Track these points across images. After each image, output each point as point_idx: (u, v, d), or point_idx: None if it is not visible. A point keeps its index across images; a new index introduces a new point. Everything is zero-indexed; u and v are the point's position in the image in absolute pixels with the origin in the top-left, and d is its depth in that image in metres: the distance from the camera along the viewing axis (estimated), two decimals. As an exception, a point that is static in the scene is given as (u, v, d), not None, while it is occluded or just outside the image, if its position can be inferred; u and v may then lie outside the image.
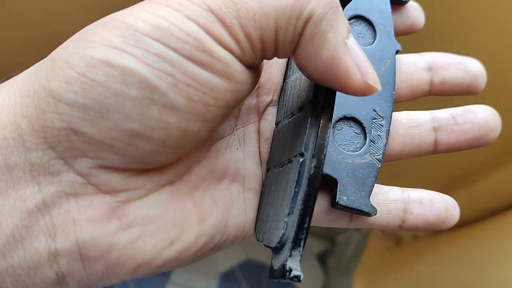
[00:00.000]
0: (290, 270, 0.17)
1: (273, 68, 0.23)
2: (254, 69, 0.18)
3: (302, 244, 0.17)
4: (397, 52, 0.25)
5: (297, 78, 0.21)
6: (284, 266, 0.17)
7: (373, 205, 0.21)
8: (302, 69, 0.18)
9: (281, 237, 0.18)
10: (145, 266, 0.18)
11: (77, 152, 0.16)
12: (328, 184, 0.22)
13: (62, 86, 0.16)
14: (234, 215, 0.20)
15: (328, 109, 0.18)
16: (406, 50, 0.25)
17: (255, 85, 0.19)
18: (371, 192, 0.21)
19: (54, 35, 0.18)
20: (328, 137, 0.18)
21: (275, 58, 0.22)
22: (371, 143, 0.22)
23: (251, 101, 0.22)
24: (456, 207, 0.23)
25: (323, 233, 0.78)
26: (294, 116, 0.20)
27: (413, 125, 0.23)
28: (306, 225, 0.17)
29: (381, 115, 0.23)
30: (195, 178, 0.19)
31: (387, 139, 0.23)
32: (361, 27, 0.25)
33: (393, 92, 0.24)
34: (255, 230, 0.21)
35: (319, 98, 0.19)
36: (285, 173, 0.19)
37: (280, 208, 0.19)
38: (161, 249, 0.18)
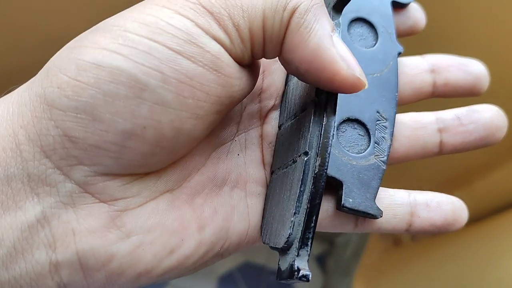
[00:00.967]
0: (298, 270, 0.17)
1: (275, 74, 0.22)
2: (246, 67, 0.18)
3: (309, 243, 0.17)
4: (399, 54, 0.25)
5: (298, 80, 0.21)
6: (292, 266, 0.17)
7: (379, 208, 0.21)
8: (288, 63, 0.18)
9: (288, 237, 0.18)
10: (146, 275, 0.18)
11: (73, 160, 0.16)
12: (333, 187, 0.21)
13: (56, 92, 0.16)
14: (236, 222, 0.20)
15: (330, 107, 0.18)
16: (409, 52, 0.25)
17: (251, 87, 0.19)
18: (377, 194, 0.21)
19: (54, 41, 0.18)
20: (332, 135, 0.18)
21: (278, 64, 0.22)
22: (376, 145, 0.22)
23: (253, 107, 0.22)
24: (464, 209, 0.23)
25: (322, 235, 0.78)
26: (297, 117, 0.20)
27: (418, 127, 0.23)
28: (313, 224, 0.17)
29: (385, 117, 0.23)
30: (195, 185, 0.19)
31: (391, 140, 0.23)
32: (363, 29, 0.25)
33: (396, 94, 0.24)
34: (261, 233, 0.21)
35: (321, 97, 0.19)
36: (290, 173, 0.19)
37: (286, 208, 0.18)
38: (161, 258, 0.18)
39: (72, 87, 0.16)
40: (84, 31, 0.18)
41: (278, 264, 0.18)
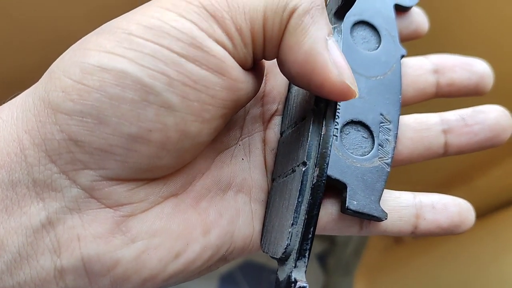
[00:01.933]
0: (295, 282, 0.17)
1: (278, 77, 0.22)
2: (251, 70, 0.18)
3: (307, 254, 0.17)
4: (402, 56, 0.25)
5: (299, 88, 0.21)
6: (289, 277, 0.17)
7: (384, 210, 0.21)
8: (282, 65, 0.18)
9: (285, 248, 0.18)
10: (151, 281, 0.18)
11: (79, 165, 0.16)
12: (337, 189, 0.21)
13: (60, 95, 0.16)
14: (241, 226, 0.20)
15: (329, 116, 0.18)
16: (413, 53, 0.25)
17: (255, 90, 0.19)
18: (381, 196, 0.21)
19: (58, 42, 0.18)
20: (331, 145, 0.18)
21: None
22: (380, 147, 0.22)
23: (256, 111, 0.22)
24: (470, 210, 0.22)
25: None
26: (297, 126, 0.20)
27: (422, 128, 0.23)
28: (310, 236, 0.17)
29: (389, 119, 0.23)
30: (199, 189, 0.19)
31: (395, 143, 0.23)
32: (366, 32, 0.25)
33: (400, 96, 0.24)
34: (261, 241, 0.21)
35: (320, 106, 0.19)
36: (289, 182, 0.19)
37: (284, 218, 0.18)
38: (166, 263, 0.18)
39: (77, 91, 0.15)
40: (87, 31, 0.17)
41: (277, 274, 0.18)
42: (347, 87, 0.17)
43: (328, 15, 0.20)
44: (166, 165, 0.17)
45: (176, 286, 0.20)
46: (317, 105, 0.19)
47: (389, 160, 0.22)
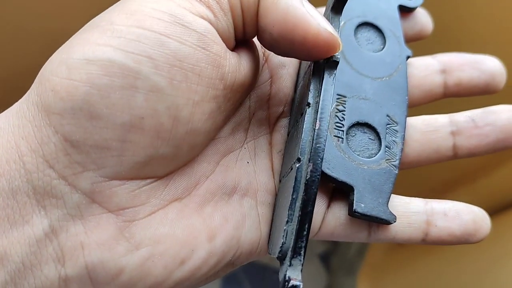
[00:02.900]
0: (289, 280, 0.16)
1: (283, 79, 0.22)
2: (237, 51, 0.18)
3: (302, 252, 0.17)
4: (408, 57, 0.25)
5: (302, 86, 0.21)
6: (284, 276, 0.17)
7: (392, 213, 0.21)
8: (263, 31, 0.18)
9: (281, 246, 0.17)
10: None
11: (77, 168, 0.16)
12: (344, 192, 0.21)
13: (50, 95, 0.16)
14: (247, 231, 0.20)
15: (323, 111, 0.18)
16: (421, 54, 0.25)
17: (246, 73, 0.19)
18: (389, 199, 0.21)
19: (53, 45, 0.18)
20: (325, 140, 0.18)
21: (286, 69, 0.22)
22: (387, 149, 0.22)
23: (261, 113, 0.22)
24: (486, 218, 0.22)
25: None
26: (297, 123, 0.20)
27: (430, 130, 0.23)
28: (305, 233, 0.17)
29: (395, 121, 0.23)
30: (204, 193, 0.19)
31: (403, 144, 0.22)
32: (370, 33, 0.25)
33: (406, 97, 0.23)
34: (268, 243, 0.20)
35: (314, 101, 0.18)
36: (288, 181, 0.19)
37: (283, 217, 0.18)
38: (171, 270, 0.17)
39: (65, 88, 0.15)
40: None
41: (278, 274, 0.18)
42: (330, 34, 0.17)
43: (326, 11, 0.20)
44: (163, 156, 0.17)
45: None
46: (311, 100, 0.18)
47: (397, 162, 0.22)
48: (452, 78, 0.24)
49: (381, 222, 0.21)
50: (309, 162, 0.17)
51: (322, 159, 0.17)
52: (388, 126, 0.23)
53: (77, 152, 0.16)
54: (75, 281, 0.16)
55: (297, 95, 0.22)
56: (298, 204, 0.17)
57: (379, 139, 0.22)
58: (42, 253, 0.16)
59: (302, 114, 0.19)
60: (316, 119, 0.18)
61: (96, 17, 0.17)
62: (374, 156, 0.22)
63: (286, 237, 0.17)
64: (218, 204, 0.19)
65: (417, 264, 0.57)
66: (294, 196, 0.17)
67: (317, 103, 0.18)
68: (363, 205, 0.20)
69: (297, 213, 0.17)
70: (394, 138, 0.22)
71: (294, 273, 0.16)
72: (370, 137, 0.22)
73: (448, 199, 0.22)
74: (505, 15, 0.36)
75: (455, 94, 0.24)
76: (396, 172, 0.22)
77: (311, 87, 0.18)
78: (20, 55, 0.41)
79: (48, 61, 0.17)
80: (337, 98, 0.23)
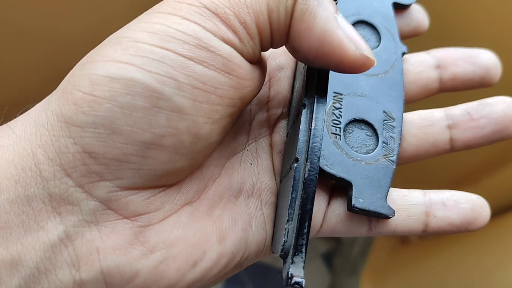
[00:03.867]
0: (292, 277, 0.17)
1: (282, 81, 0.22)
2: (256, 64, 0.18)
3: (303, 249, 0.17)
4: (403, 54, 0.25)
5: (299, 87, 0.21)
6: (287, 273, 0.17)
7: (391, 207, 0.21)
8: (297, 51, 0.18)
9: (283, 245, 0.18)
10: None
11: (94, 177, 0.16)
12: (343, 189, 0.21)
13: (72, 109, 0.16)
14: (254, 231, 0.20)
15: (319, 111, 0.18)
16: (417, 50, 0.25)
17: (260, 84, 0.19)
18: (387, 193, 0.21)
19: (65, 54, 0.18)
20: (321, 138, 0.18)
21: (283, 72, 0.22)
22: (384, 144, 0.22)
23: (261, 116, 0.22)
24: (484, 206, 0.22)
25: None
26: (295, 124, 0.20)
27: (426, 124, 0.23)
28: (305, 230, 0.17)
29: (392, 116, 0.23)
30: (212, 196, 0.19)
31: (400, 140, 0.23)
32: (365, 31, 0.25)
33: (403, 93, 0.24)
34: (271, 242, 0.21)
35: (310, 101, 0.19)
36: (288, 180, 0.19)
37: (284, 215, 0.19)
38: (184, 272, 0.18)
39: (88, 103, 0.16)
40: (93, 43, 0.17)
41: (282, 273, 0.18)
42: (366, 58, 0.17)
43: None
44: (180, 169, 0.17)
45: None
46: (307, 100, 0.19)
47: (395, 157, 0.22)
48: (447, 73, 0.24)
49: (380, 216, 0.21)
50: (306, 161, 0.18)
51: (319, 157, 0.18)
52: (385, 122, 0.23)
53: (95, 163, 0.16)
54: (90, 285, 0.16)
55: (294, 96, 0.22)
56: (298, 202, 0.18)
57: (376, 135, 0.22)
58: (57, 258, 0.16)
59: (298, 115, 0.20)
60: (312, 119, 0.18)
61: (119, 31, 0.17)
62: (371, 152, 0.22)
63: (287, 236, 0.18)
64: (226, 206, 0.20)
65: (420, 264, 0.57)
66: (293, 195, 0.18)
67: (312, 103, 0.18)
68: (361, 200, 0.21)
69: (296, 211, 0.17)
70: (391, 134, 0.23)
71: (296, 270, 0.17)
72: (367, 133, 0.23)
73: (456, 191, 0.22)
74: (500, 10, 0.36)
75: (450, 89, 0.24)
76: (394, 167, 0.22)
77: (306, 88, 0.19)
78: (23, 55, 0.41)
79: (70, 73, 0.17)
80: (334, 96, 0.23)
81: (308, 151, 0.18)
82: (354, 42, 0.17)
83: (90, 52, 0.17)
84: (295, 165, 0.18)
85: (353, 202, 0.20)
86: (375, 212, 0.21)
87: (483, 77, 0.24)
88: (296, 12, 0.17)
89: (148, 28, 0.16)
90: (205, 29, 0.16)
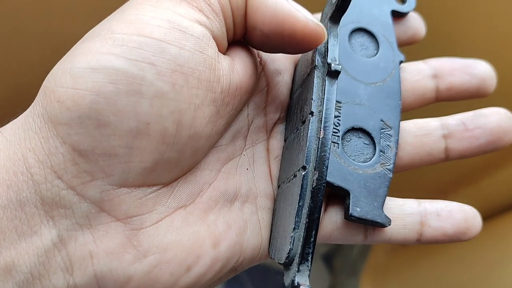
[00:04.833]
0: (298, 286, 0.17)
1: (280, 86, 0.23)
2: (228, 54, 0.19)
3: (309, 258, 0.17)
4: (401, 62, 0.25)
5: (301, 93, 0.21)
6: (293, 281, 0.17)
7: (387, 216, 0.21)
8: (253, 29, 0.19)
9: (288, 253, 0.18)
10: None
11: (86, 177, 0.16)
12: (340, 197, 0.22)
13: (56, 106, 0.16)
14: (249, 236, 0.20)
15: (327, 120, 0.18)
16: (413, 58, 0.25)
17: (240, 77, 0.19)
18: (384, 202, 0.22)
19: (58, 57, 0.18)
20: (330, 148, 0.18)
21: (281, 76, 0.22)
22: (381, 153, 0.22)
23: (259, 120, 0.22)
24: (477, 217, 0.22)
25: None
26: (298, 130, 0.20)
27: (422, 134, 0.23)
28: (312, 239, 0.17)
29: (389, 125, 0.23)
30: (207, 201, 0.19)
31: (397, 148, 0.23)
32: (364, 39, 0.25)
33: (400, 102, 0.24)
34: (268, 248, 0.21)
35: (317, 110, 0.19)
36: (291, 187, 0.19)
37: (287, 223, 0.19)
38: (178, 277, 0.18)
39: (71, 97, 0.16)
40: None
41: (283, 280, 0.18)
42: (316, 24, 0.18)
43: (324, 20, 0.20)
44: (168, 160, 0.18)
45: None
46: (315, 109, 0.19)
47: (391, 166, 0.22)
48: (444, 82, 0.24)
49: (376, 225, 0.21)
50: (314, 170, 0.18)
51: (327, 167, 0.18)
52: (382, 130, 0.23)
53: (85, 161, 0.16)
54: None
55: (295, 102, 0.22)
56: (305, 211, 0.18)
57: (374, 143, 0.23)
58: (51, 263, 0.16)
59: (304, 122, 0.20)
60: (320, 128, 0.18)
61: (96, 26, 0.17)
62: (369, 161, 0.22)
63: (293, 244, 0.18)
64: (221, 211, 0.20)
65: (420, 265, 0.57)
66: (300, 204, 0.18)
67: (320, 112, 0.18)
68: (358, 209, 0.21)
69: (304, 220, 0.18)
70: (388, 143, 0.23)
71: (302, 279, 0.17)
72: (365, 142, 0.23)
73: (450, 201, 0.23)
74: (497, 19, 0.36)
75: (447, 99, 0.24)
76: (391, 176, 0.22)
77: (314, 96, 0.19)
78: (22, 60, 0.41)
79: (50, 73, 0.17)
80: None
81: (316, 160, 0.18)
82: (304, 12, 0.18)
83: (69, 51, 0.17)
84: (302, 173, 0.18)
85: (350, 211, 0.21)
86: (372, 221, 0.21)
87: (479, 87, 0.24)
88: None
89: (124, 19, 0.17)
90: (176, 13, 0.17)
